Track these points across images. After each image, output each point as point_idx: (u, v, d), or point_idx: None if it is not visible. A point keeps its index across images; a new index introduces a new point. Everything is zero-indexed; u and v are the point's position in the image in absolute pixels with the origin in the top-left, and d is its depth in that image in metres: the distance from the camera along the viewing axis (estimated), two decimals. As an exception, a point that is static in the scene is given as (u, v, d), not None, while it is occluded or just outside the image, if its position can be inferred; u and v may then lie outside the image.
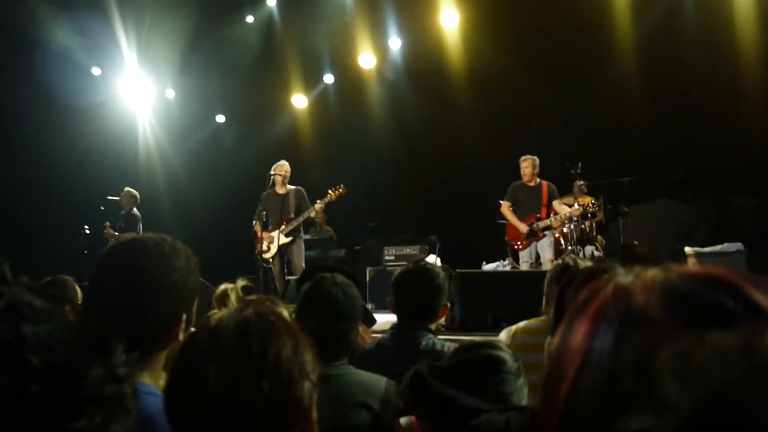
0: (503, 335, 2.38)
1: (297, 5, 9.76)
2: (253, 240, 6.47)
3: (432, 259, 6.72)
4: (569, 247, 6.43)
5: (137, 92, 10.62)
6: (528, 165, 6.54)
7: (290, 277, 6.50)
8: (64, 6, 9.07)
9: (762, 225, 7.30)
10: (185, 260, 1.28)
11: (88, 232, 8.31)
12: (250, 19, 10.29)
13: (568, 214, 6.37)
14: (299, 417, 0.87)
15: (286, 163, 6.75)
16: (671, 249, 7.01)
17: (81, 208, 8.67)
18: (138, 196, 8.04)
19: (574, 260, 2.41)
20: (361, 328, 2.07)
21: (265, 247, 6.46)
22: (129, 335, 0.59)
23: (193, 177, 10.66)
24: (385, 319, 3.47)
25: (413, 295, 2.19)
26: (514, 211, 6.62)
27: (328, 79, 10.56)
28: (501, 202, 6.73)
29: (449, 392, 1.18)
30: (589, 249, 6.68)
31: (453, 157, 9.28)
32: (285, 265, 6.60)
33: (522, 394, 1.29)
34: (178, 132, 11.00)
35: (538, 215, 6.48)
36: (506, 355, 1.31)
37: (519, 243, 6.56)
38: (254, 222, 6.53)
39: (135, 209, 7.95)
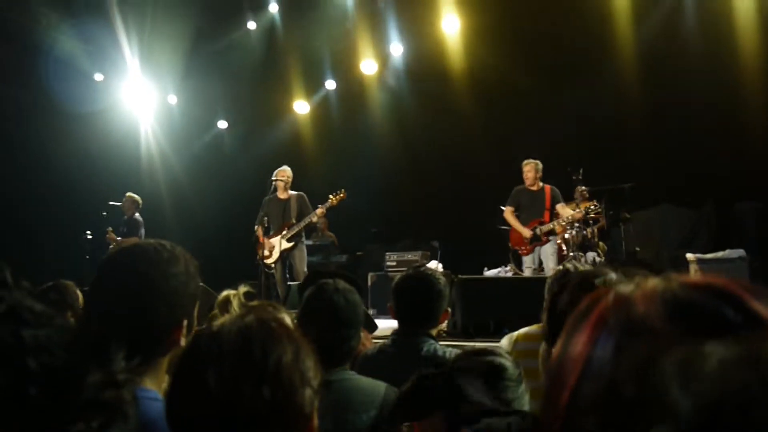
0: (505, 342, 2.37)
1: (299, 11, 9.79)
2: (255, 245, 6.48)
3: (434, 264, 6.71)
4: (571, 254, 6.39)
5: (139, 98, 10.65)
6: (530, 169, 6.49)
7: (292, 283, 6.50)
8: (67, 12, 9.12)
9: (764, 231, 7.26)
10: (184, 266, 1.28)
11: (90, 237, 8.32)
12: (252, 25, 10.32)
13: (570, 217, 6.33)
14: (300, 423, 0.88)
15: (288, 169, 6.77)
16: (673, 255, 7.00)
17: (83, 213, 8.67)
18: (140, 202, 8.06)
19: (575, 266, 2.40)
20: (363, 334, 2.07)
21: (266, 253, 6.47)
22: (130, 340, 0.60)
23: (195, 182, 10.68)
24: (387, 325, 3.47)
25: (413, 301, 2.19)
26: (517, 216, 6.57)
27: (330, 84, 10.56)
28: (503, 208, 6.69)
29: (452, 396, 1.17)
30: (590, 255, 6.64)
31: (454, 163, 9.29)
32: (287, 271, 6.61)
33: (523, 400, 1.28)
34: (180, 137, 11.03)
35: (541, 219, 6.42)
36: (507, 362, 1.31)
37: (523, 248, 6.51)
38: (256, 227, 6.53)
39: (137, 214, 7.97)
